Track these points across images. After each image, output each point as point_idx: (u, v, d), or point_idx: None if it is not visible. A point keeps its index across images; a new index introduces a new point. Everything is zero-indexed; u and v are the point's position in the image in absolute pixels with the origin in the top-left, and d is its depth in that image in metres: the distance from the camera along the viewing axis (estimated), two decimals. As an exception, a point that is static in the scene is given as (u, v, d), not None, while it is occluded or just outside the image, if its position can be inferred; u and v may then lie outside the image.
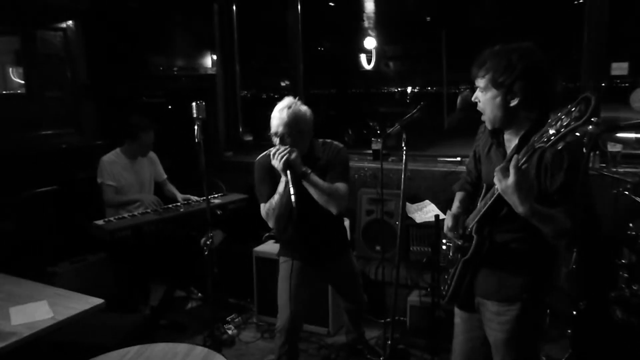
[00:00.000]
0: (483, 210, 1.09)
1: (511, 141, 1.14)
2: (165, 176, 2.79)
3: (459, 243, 1.25)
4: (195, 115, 1.82)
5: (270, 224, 1.61)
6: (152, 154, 2.73)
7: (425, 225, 2.18)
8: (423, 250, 2.30)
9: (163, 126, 2.76)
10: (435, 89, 3.10)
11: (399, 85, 3.25)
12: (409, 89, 3.22)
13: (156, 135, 2.61)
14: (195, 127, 1.80)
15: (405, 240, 2.25)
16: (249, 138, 3.47)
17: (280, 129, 1.58)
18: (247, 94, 3.53)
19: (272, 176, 1.57)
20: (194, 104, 1.81)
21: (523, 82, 1.14)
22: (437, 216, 1.80)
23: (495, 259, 1.03)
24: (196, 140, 1.80)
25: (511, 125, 1.10)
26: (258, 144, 3.43)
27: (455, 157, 2.47)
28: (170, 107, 3.18)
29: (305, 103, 1.64)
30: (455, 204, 1.46)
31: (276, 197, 1.51)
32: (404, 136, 1.51)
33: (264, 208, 1.59)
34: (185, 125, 2.00)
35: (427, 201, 2.38)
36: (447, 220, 1.36)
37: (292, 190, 1.40)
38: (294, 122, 1.59)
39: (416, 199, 2.39)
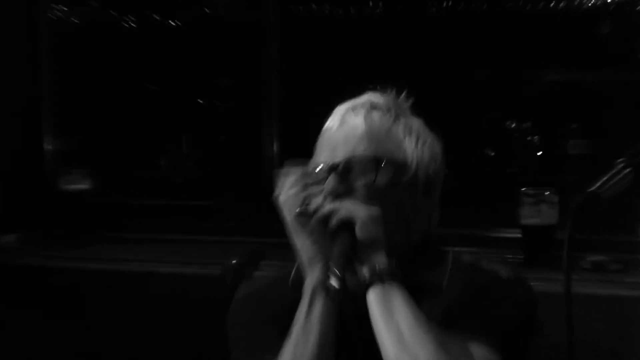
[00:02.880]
0: None
1: None
2: None
3: None
4: None
5: None
6: None
7: None
8: None
9: None
10: None
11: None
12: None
13: None
14: None
15: None
16: (73, 185, 3.57)
17: (351, 153, 1.79)
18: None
19: (282, 321, 1.78)
20: None
21: None
22: None
23: None
24: None
25: None
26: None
27: None
28: None
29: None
30: None
31: (291, 339, 1.73)
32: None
33: None
34: None
35: None
36: None
37: (335, 275, 1.61)
38: (390, 147, 1.81)
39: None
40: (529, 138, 3.53)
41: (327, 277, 1.63)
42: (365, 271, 1.68)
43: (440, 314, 1.74)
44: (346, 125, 1.81)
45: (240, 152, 3.77)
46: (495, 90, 3.73)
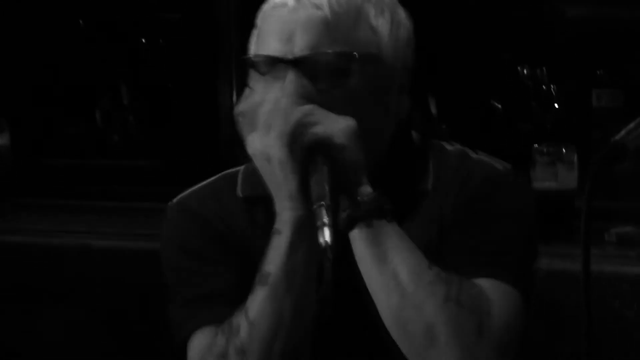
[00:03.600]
0: None
1: None
2: None
3: None
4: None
5: None
6: None
7: None
8: None
9: None
10: None
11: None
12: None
13: None
14: None
15: None
16: None
17: (314, 47, 1.73)
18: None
19: (234, 244, 1.81)
20: None
21: None
22: None
23: None
24: None
25: None
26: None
27: None
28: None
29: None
30: None
31: (264, 290, 1.71)
32: None
33: (209, 343, 1.76)
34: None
35: None
36: None
37: (325, 219, 1.57)
38: (362, 35, 1.78)
39: None
40: (544, 87, 3.50)
41: (319, 219, 1.56)
42: (346, 205, 1.65)
43: (432, 228, 1.75)
44: (304, 6, 1.69)
45: (192, 102, 3.68)
46: (503, 27, 3.65)
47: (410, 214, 1.77)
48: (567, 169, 2.90)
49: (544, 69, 3.53)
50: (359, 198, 1.64)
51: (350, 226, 1.66)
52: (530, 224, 1.83)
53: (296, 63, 1.68)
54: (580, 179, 2.89)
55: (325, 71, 1.70)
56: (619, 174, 1.64)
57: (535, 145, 2.91)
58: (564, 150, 2.90)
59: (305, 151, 1.63)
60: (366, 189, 1.65)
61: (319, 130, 1.63)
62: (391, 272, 1.65)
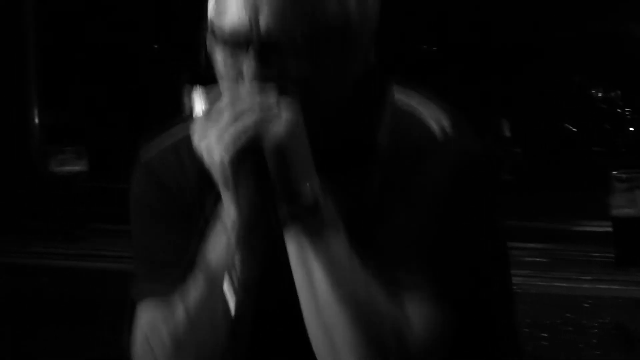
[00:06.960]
0: None
1: None
2: None
3: None
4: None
5: None
6: None
7: None
8: None
9: None
10: None
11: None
12: None
13: None
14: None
15: None
16: (66, 167, 3.63)
17: (277, 22, 1.66)
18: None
19: (189, 213, 1.72)
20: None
21: None
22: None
23: None
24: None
25: None
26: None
27: None
28: None
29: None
30: None
31: (200, 277, 1.64)
32: None
33: (148, 319, 1.71)
34: None
35: None
36: None
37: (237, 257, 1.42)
38: (330, 5, 1.70)
39: None
40: (619, 110, 3.47)
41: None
42: (280, 207, 1.54)
43: (377, 192, 1.61)
44: None
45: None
46: (576, 48, 3.62)
47: (356, 169, 1.67)
48: (647, 196, 2.90)
49: (619, 91, 3.52)
50: (288, 199, 1.56)
51: (284, 224, 1.57)
52: (485, 221, 1.64)
53: (260, 41, 1.58)
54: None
55: (285, 51, 1.60)
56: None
57: (614, 172, 2.91)
58: (643, 177, 2.89)
59: (241, 154, 1.50)
60: (309, 184, 1.57)
61: (253, 132, 1.49)
62: (309, 284, 1.59)
